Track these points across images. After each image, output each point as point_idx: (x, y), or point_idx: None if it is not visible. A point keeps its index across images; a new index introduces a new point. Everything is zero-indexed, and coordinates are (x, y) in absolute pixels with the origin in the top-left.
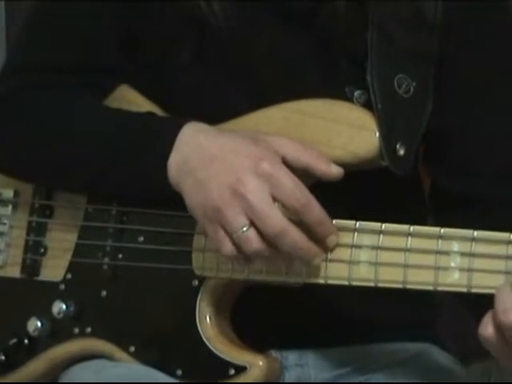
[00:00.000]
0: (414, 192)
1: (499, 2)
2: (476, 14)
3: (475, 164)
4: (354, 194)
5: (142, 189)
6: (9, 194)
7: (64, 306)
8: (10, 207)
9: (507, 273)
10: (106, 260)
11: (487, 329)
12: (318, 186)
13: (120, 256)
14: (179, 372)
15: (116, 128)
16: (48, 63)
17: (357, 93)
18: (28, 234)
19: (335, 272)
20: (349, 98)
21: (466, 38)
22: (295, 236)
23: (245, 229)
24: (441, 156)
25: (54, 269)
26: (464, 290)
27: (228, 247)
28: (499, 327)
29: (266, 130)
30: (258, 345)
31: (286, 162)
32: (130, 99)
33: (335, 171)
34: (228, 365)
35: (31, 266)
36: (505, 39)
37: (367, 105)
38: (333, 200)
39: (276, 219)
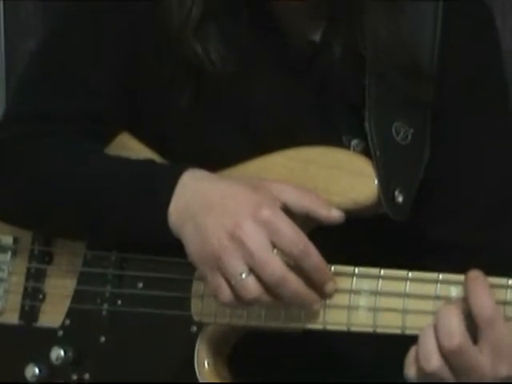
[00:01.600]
0: (411, 235)
1: (493, 57)
2: (470, 66)
3: (457, 211)
4: (352, 238)
5: (143, 235)
6: (8, 240)
7: (62, 353)
8: (10, 254)
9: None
10: (105, 306)
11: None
12: (316, 231)
13: (119, 302)
14: None
15: (116, 175)
16: (48, 111)
17: (354, 142)
18: (27, 281)
19: (334, 318)
20: (346, 147)
21: (458, 88)
22: (294, 284)
23: (244, 275)
24: (424, 201)
25: (52, 315)
26: None
27: (226, 294)
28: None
29: (266, 176)
30: None
31: (286, 208)
32: (130, 147)
33: (336, 215)
34: None
35: (29, 312)
36: (498, 94)
37: (365, 152)
38: (331, 245)
39: (275, 267)
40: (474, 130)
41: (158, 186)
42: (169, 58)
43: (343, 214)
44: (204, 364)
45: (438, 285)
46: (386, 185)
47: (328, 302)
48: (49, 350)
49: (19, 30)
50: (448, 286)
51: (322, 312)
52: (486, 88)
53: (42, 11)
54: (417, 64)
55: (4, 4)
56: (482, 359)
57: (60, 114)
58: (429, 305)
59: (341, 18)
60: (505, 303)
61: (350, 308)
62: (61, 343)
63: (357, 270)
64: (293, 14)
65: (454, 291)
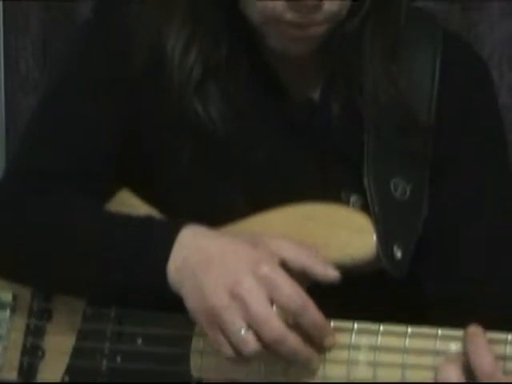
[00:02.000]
0: (411, 289)
1: (491, 110)
2: (468, 120)
3: (456, 265)
4: (352, 293)
5: (142, 291)
6: (7, 297)
7: None
8: (9, 310)
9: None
10: (105, 363)
11: None
12: (315, 286)
13: (118, 359)
14: None
15: (115, 231)
16: (49, 169)
17: (353, 198)
18: (26, 337)
19: (334, 372)
20: (345, 203)
21: (457, 143)
22: (292, 342)
23: (243, 331)
24: (423, 255)
25: (51, 372)
26: None
27: (227, 349)
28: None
29: (265, 232)
30: None
31: (284, 264)
32: (130, 203)
33: (331, 274)
34: None
35: (28, 369)
36: (496, 148)
37: (363, 208)
38: (330, 300)
39: (273, 325)
40: (472, 184)
41: (157, 242)
42: (169, 116)
43: (339, 274)
44: None
45: (438, 340)
46: (385, 241)
47: (327, 356)
48: None
49: (19, 85)
50: (447, 341)
51: (321, 367)
52: (485, 142)
53: (42, 66)
54: (415, 120)
55: (4, 59)
56: None
57: (60, 172)
58: (428, 360)
59: (339, 76)
60: (504, 358)
61: (349, 363)
62: None
63: (356, 325)
64: (292, 72)
65: (454, 346)
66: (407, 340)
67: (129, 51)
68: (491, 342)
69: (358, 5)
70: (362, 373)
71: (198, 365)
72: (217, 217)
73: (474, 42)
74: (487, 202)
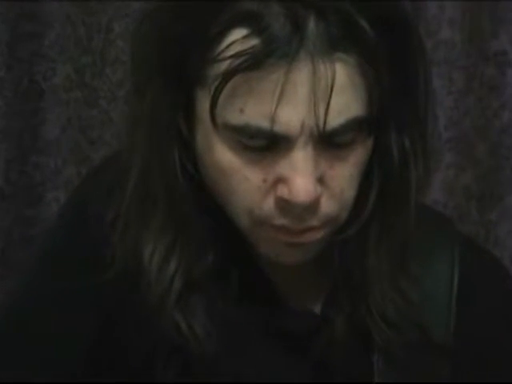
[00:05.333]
0: None
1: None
2: (489, 330)
3: None
4: None
5: None
6: None
7: None
8: None
9: None
10: None
11: None
12: None
13: None
14: None
15: None
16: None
17: None
18: None
19: None
20: None
21: (477, 359)
22: None
23: None
24: None
25: None
26: None
27: None
28: None
29: None
30: None
31: None
32: None
33: None
34: None
35: None
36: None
37: None
38: None
39: None
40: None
41: None
42: (147, 332)
43: None
44: None
45: None
46: None
47: None
48: None
49: None
50: None
51: None
52: (505, 364)
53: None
54: (429, 338)
55: None
56: None
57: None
58: None
59: (342, 289)
60: None
61: None
62: None
63: None
64: (289, 281)
65: None
66: None
67: (100, 259)
68: None
69: (360, 206)
70: None
71: None
72: None
73: None
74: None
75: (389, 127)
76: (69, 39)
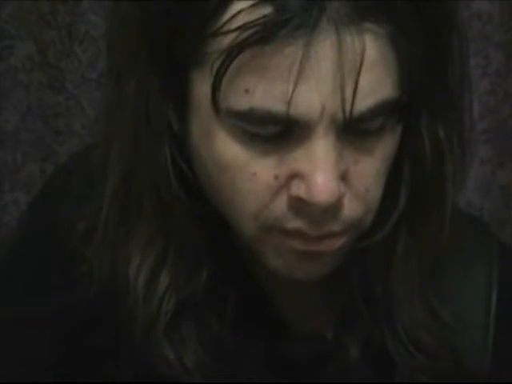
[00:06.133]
0: None
1: None
2: None
3: None
4: None
5: None
6: None
7: None
8: None
9: None
10: None
11: None
12: None
13: None
14: None
15: None
16: None
17: None
18: None
19: None
20: None
21: None
22: None
23: None
24: None
25: None
26: None
27: None
28: None
29: None
30: None
31: None
32: None
33: None
34: None
35: None
36: None
37: None
38: None
39: None
40: None
41: None
42: (129, 364)
43: None
44: None
45: None
46: None
47: None
48: None
49: None
50: None
51: None
52: None
53: None
54: (461, 365)
55: None
56: None
57: None
58: None
59: (361, 309)
60: None
61: None
62: None
63: None
64: (296, 300)
65: None
66: None
67: (71, 277)
68: None
69: (388, 207)
70: None
71: None
72: None
73: None
74: None
75: (420, 113)
76: (30, 12)
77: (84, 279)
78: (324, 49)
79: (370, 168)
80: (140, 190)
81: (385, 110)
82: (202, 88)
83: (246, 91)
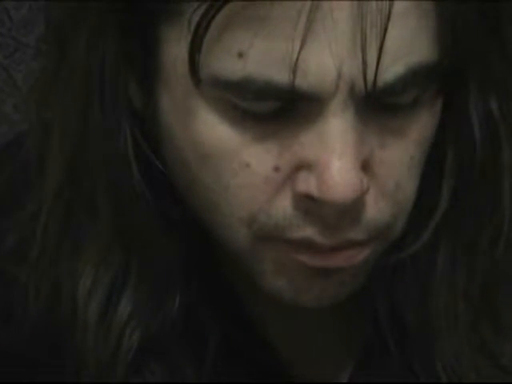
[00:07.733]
0: None
1: None
2: None
3: None
4: None
5: None
6: None
7: None
8: None
9: None
10: None
11: None
12: None
13: None
14: None
15: None
16: None
17: None
18: None
19: None
20: None
21: None
22: None
23: None
24: None
25: None
26: None
27: None
28: None
29: None
30: None
31: None
32: None
33: None
34: None
35: None
36: None
37: None
38: None
39: None
40: None
41: None
42: None
43: None
44: None
45: None
46: None
47: None
48: None
49: None
50: None
51: None
52: None
53: None
54: None
55: None
56: None
57: None
58: None
59: (388, 345)
60: None
61: None
62: None
63: None
64: (298, 338)
65: None
66: None
67: (2, 309)
68: None
69: (425, 208)
70: None
71: None
72: None
73: None
74: None
75: (468, 84)
76: None
77: (16, 310)
78: None
79: (400, 155)
80: (91, 187)
81: (420, 79)
82: (175, 50)
83: (241, 55)
